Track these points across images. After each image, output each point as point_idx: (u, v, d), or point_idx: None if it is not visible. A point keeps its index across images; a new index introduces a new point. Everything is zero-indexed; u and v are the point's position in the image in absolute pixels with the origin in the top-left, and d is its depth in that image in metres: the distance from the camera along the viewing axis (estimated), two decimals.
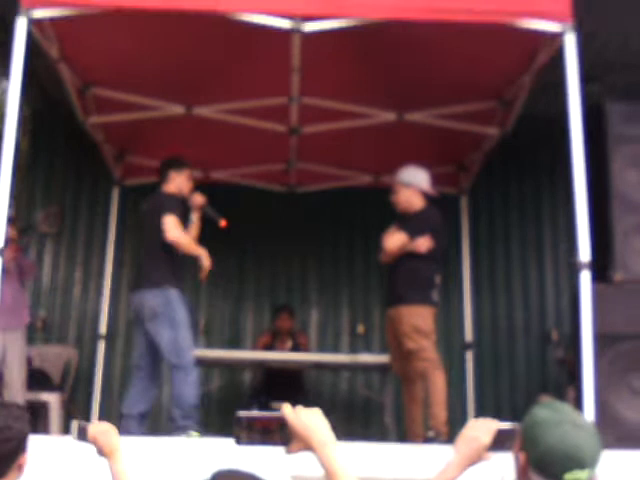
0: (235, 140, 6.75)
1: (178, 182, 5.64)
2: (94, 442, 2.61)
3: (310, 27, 4.84)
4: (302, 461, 3.00)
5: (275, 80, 6.07)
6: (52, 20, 4.78)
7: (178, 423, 5.03)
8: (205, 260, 5.42)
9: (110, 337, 7.56)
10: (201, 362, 5.99)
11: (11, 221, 6.33)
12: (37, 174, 8.38)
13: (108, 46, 5.54)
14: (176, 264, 5.50)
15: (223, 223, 5.66)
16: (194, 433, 4.96)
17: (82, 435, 2.61)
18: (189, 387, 5.12)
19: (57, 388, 6.85)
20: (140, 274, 5.51)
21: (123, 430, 4.76)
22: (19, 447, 2.40)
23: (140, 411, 5.29)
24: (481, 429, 2.09)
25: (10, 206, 6.23)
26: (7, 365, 6.21)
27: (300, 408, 1.87)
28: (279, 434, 1.88)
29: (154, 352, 5.35)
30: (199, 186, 5.97)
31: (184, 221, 5.53)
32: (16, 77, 4.43)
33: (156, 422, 6.77)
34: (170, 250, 5.43)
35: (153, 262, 5.42)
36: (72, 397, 7.27)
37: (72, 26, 4.93)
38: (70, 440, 2.64)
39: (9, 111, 4.39)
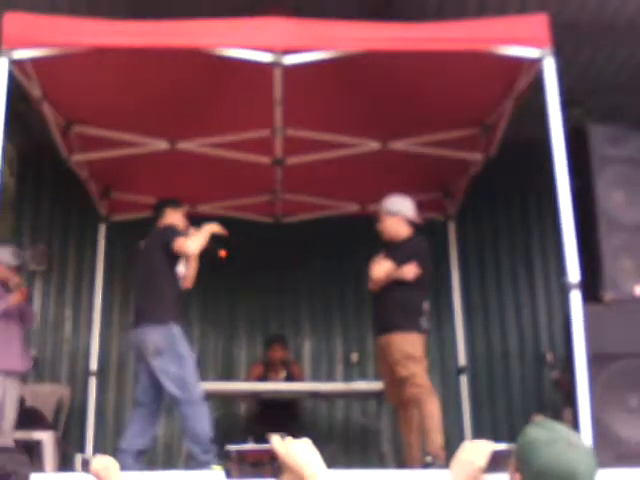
0: (220, 173, 6.76)
1: (175, 219, 5.67)
2: (96, 475, 2.74)
3: (290, 60, 4.86)
4: None
5: (258, 113, 6.10)
6: (33, 60, 4.80)
7: (199, 459, 4.96)
8: (217, 227, 5.44)
9: (102, 373, 7.52)
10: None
11: (20, 269, 6.37)
12: (24, 213, 8.38)
13: (90, 84, 5.56)
14: (177, 299, 5.49)
15: (223, 253, 5.61)
16: (216, 467, 4.90)
17: (86, 467, 2.75)
18: (201, 421, 5.06)
19: (50, 426, 6.80)
20: (141, 311, 5.44)
21: (121, 464, 4.73)
22: None
23: (139, 448, 5.23)
24: (476, 451, 2.07)
25: (18, 256, 6.31)
26: (4, 408, 6.13)
27: (290, 440, 1.86)
28: (270, 467, 1.88)
29: (157, 389, 5.30)
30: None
31: (176, 257, 5.50)
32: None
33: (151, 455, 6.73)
34: (172, 285, 5.43)
35: (154, 298, 5.38)
36: (65, 434, 7.22)
37: (53, 65, 4.94)
38: (67, 476, 2.72)
39: None
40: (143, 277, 5.57)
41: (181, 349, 5.21)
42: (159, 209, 5.77)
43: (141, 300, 5.53)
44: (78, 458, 2.80)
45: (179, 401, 5.14)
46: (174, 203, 5.78)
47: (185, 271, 5.68)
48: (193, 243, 5.33)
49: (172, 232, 5.45)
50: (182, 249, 5.35)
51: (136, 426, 5.34)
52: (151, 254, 5.48)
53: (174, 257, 5.46)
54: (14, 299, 6.16)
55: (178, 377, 5.14)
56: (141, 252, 5.65)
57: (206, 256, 5.63)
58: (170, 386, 5.16)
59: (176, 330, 5.27)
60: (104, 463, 2.82)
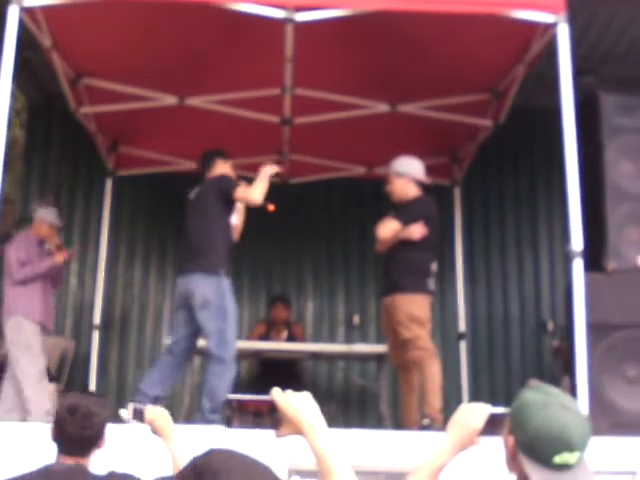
0: (228, 131, 6.73)
1: (225, 169, 5.58)
2: (151, 424, 2.92)
3: (303, 17, 4.83)
4: (300, 452, 3.03)
5: (268, 71, 6.06)
6: (44, 8, 4.78)
7: (206, 416, 4.95)
8: (274, 169, 5.36)
9: (105, 327, 7.58)
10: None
11: (60, 230, 6.44)
12: (33, 165, 8.37)
13: (100, 35, 5.53)
14: (230, 251, 5.41)
15: (271, 207, 5.42)
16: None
17: (138, 416, 2.94)
18: (224, 382, 5.02)
19: (54, 379, 6.85)
20: (192, 259, 5.32)
21: (137, 405, 4.78)
22: (102, 431, 2.74)
23: (156, 395, 5.20)
24: (473, 414, 2.07)
25: (58, 216, 6.38)
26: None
27: (290, 392, 1.87)
28: (269, 418, 1.90)
29: (191, 341, 5.32)
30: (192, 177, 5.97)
31: (231, 207, 5.44)
32: (8, 64, 4.42)
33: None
34: (225, 236, 5.36)
35: (208, 247, 5.28)
36: (68, 387, 7.28)
37: (64, 15, 4.92)
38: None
39: (1, 96, 4.39)
40: (196, 226, 5.43)
41: (228, 304, 5.16)
42: (209, 160, 5.65)
43: (193, 249, 5.38)
44: (130, 407, 2.94)
45: (212, 356, 5.10)
46: (223, 154, 5.67)
47: (236, 221, 5.59)
48: (257, 191, 5.20)
49: (230, 181, 5.36)
50: (246, 198, 5.26)
51: (158, 373, 5.32)
52: (205, 203, 5.38)
53: (229, 207, 5.38)
54: (59, 259, 6.23)
55: (219, 332, 5.09)
56: (192, 202, 5.55)
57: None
58: (209, 340, 5.16)
59: (226, 283, 5.21)
60: (158, 412, 2.96)
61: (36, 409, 5.75)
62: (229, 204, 5.37)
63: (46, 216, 6.41)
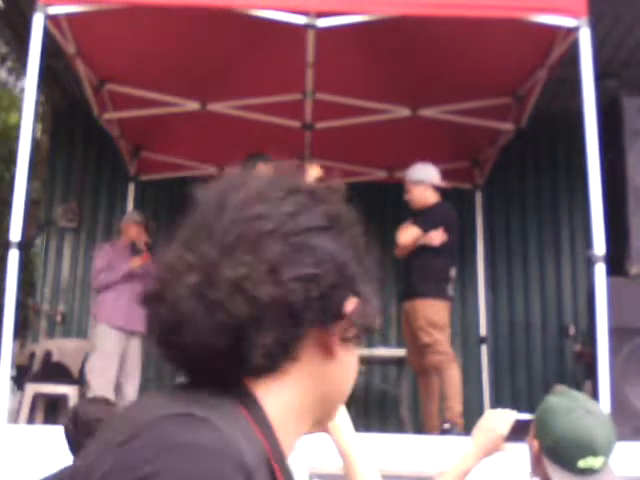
0: (249, 136, 6.75)
1: (266, 173, 5.60)
2: None
3: (324, 23, 4.86)
4: (320, 455, 3.03)
5: (289, 76, 6.09)
6: (68, 16, 4.83)
7: None
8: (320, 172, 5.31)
9: None
10: None
11: (144, 225, 6.50)
12: (57, 170, 8.45)
13: (123, 42, 5.59)
14: None
15: None
16: None
17: None
18: None
19: (75, 381, 6.90)
20: None
21: None
22: None
23: None
24: (498, 420, 2.06)
25: (142, 215, 6.45)
26: (125, 373, 6.31)
27: None
28: None
29: None
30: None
31: None
32: (33, 71, 4.48)
33: None
34: None
35: None
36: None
37: (88, 22, 4.98)
38: None
39: (26, 102, 4.45)
40: None
41: None
42: (251, 163, 5.63)
43: None
44: None
45: None
46: (265, 157, 5.67)
47: None
48: None
49: None
50: None
51: None
52: None
53: None
54: (136, 263, 6.30)
55: None
56: None
57: None
58: None
59: None
60: None
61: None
62: None
63: (128, 218, 6.61)
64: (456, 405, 5.18)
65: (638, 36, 6.80)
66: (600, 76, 4.72)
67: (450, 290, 5.48)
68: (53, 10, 4.64)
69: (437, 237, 5.43)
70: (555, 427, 1.84)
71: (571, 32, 4.76)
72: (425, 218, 5.50)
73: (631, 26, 6.69)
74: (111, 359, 6.16)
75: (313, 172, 5.37)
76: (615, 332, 4.46)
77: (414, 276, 5.47)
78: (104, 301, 6.32)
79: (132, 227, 6.50)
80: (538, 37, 5.13)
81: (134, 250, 6.41)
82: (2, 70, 14.30)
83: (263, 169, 5.59)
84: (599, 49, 4.74)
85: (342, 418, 1.83)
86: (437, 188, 5.64)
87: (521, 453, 1.95)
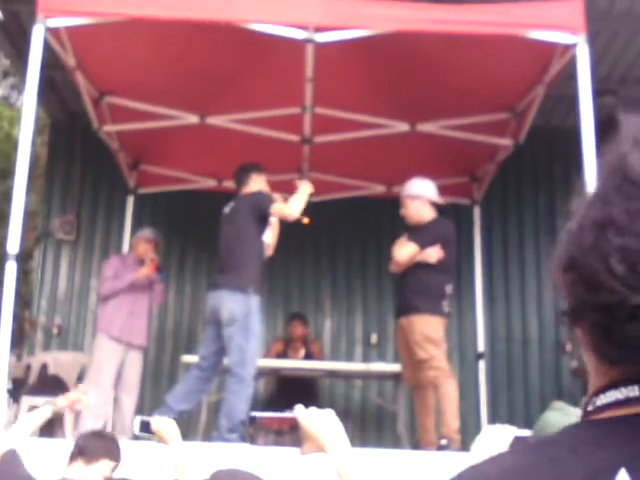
0: (248, 150, 6.78)
1: (259, 184, 5.59)
2: (157, 432, 3.02)
3: (323, 38, 4.88)
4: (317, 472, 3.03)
5: (288, 90, 6.11)
6: (68, 28, 4.85)
7: (222, 435, 4.96)
8: (310, 187, 5.36)
9: None
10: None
11: (157, 246, 6.54)
12: (55, 182, 8.46)
13: (123, 55, 5.61)
14: (261, 269, 5.41)
15: (306, 220, 5.43)
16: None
17: (145, 428, 2.99)
18: (243, 401, 5.03)
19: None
20: (222, 275, 5.36)
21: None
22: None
23: (182, 409, 5.24)
24: (498, 436, 2.06)
25: (154, 233, 6.48)
26: (123, 386, 6.28)
27: (313, 410, 1.88)
28: (290, 436, 1.90)
29: (219, 357, 5.34)
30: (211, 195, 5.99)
31: (265, 224, 5.45)
32: (32, 83, 4.49)
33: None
34: (257, 253, 5.37)
35: (238, 264, 5.30)
36: None
37: (88, 35, 5.00)
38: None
39: (25, 113, 4.47)
40: (228, 242, 5.45)
41: (253, 323, 5.16)
42: (244, 174, 5.66)
43: (224, 264, 5.41)
44: (137, 421, 3.05)
45: (232, 373, 5.13)
46: (258, 168, 5.68)
47: (269, 239, 5.60)
48: (294, 207, 5.23)
49: (265, 198, 5.36)
50: (283, 213, 5.27)
51: (185, 387, 5.35)
52: (239, 220, 5.39)
53: (263, 224, 5.39)
54: (142, 272, 6.31)
55: (241, 350, 5.10)
56: (226, 217, 5.57)
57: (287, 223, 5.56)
58: (230, 357, 5.17)
59: (254, 300, 5.21)
60: (163, 421, 3.06)
61: (84, 421, 5.95)
62: (263, 221, 5.38)
63: (140, 234, 6.61)
64: (453, 421, 5.17)
65: (635, 53, 6.84)
66: (597, 93, 4.74)
67: (446, 307, 5.47)
68: (53, 22, 4.66)
69: (434, 254, 5.41)
70: None
71: (569, 48, 4.79)
72: (422, 234, 5.49)
73: (628, 43, 6.73)
74: (107, 370, 6.14)
75: (307, 187, 5.39)
76: None
77: (410, 292, 5.45)
78: (105, 310, 6.34)
79: (141, 243, 6.52)
80: (536, 53, 5.15)
81: (142, 265, 6.42)
82: (4, 85, 14.37)
83: (257, 181, 5.61)
84: (596, 66, 4.76)
85: (340, 438, 1.83)
86: (434, 204, 5.64)
87: None
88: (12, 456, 2.97)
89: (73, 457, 2.95)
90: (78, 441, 2.99)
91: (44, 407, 3.27)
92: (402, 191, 5.70)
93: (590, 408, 0.83)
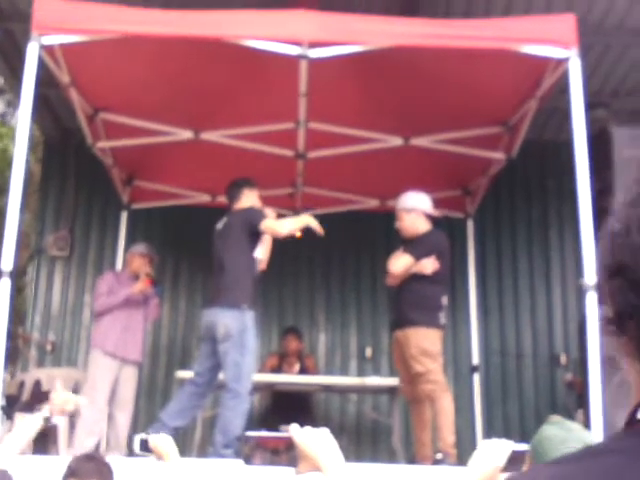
0: (242, 165, 6.79)
1: (251, 200, 5.59)
2: (154, 449, 3.06)
3: (317, 53, 4.89)
4: None
5: (282, 105, 6.12)
6: (62, 46, 4.86)
7: (218, 451, 4.94)
8: (314, 224, 5.34)
9: None
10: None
11: (152, 261, 6.55)
12: (48, 198, 8.46)
13: (117, 72, 5.62)
14: (254, 284, 5.41)
15: (298, 234, 5.46)
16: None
17: (144, 446, 3.08)
18: (238, 417, 5.03)
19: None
20: (216, 292, 5.37)
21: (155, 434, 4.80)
22: None
23: (176, 425, 5.22)
24: (495, 450, 2.06)
25: (148, 248, 6.48)
26: (117, 403, 6.26)
27: (308, 429, 1.88)
28: (286, 455, 1.90)
29: (214, 373, 5.33)
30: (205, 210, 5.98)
31: (257, 240, 5.44)
32: (27, 100, 4.50)
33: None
34: (249, 269, 5.36)
35: (231, 280, 5.30)
36: None
37: (82, 52, 5.01)
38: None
39: (19, 131, 4.47)
40: (220, 258, 5.45)
41: (248, 338, 5.16)
42: (236, 190, 5.65)
43: (217, 281, 5.42)
44: (136, 440, 3.07)
45: (227, 389, 5.12)
46: (250, 183, 5.67)
47: (262, 255, 5.59)
48: (285, 226, 5.26)
49: (256, 214, 5.36)
50: (273, 230, 5.27)
51: (180, 404, 5.34)
52: (231, 236, 5.40)
53: (255, 240, 5.38)
54: (137, 287, 6.31)
55: (236, 366, 5.10)
56: (218, 234, 5.57)
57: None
58: (226, 372, 5.17)
59: (249, 316, 5.21)
60: (160, 439, 3.09)
61: (78, 437, 5.97)
62: (254, 237, 5.38)
63: (134, 249, 6.63)
64: (449, 435, 5.16)
65: (627, 66, 6.90)
66: (590, 106, 4.76)
67: (442, 318, 5.47)
68: (47, 40, 4.67)
69: (429, 265, 5.42)
70: (550, 457, 1.84)
71: (561, 63, 4.81)
72: (417, 246, 5.50)
73: (620, 56, 6.78)
74: (101, 386, 6.12)
75: (309, 221, 5.39)
76: (606, 361, 4.46)
77: (406, 305, 5.45)
78: (99, 326, 6.33)
79: (135, 259, 6.53)
80: (529, 68, 5.18)
81: (136, 281, 6.41)
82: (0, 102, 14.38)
83: (249, 196, 5.62)
84: (589, 79, 4.79)
85: (335, 457, 1.83)
86: (428, 217, 5.65)
87: None
88: (2, 477, 2.96)
89: (65, 478, 2.95)
90: (71, 463, 2.99)
91: (33, 417, 3.25)
92: (397, 204, 5.72)
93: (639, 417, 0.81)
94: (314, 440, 1.85)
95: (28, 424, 3.23)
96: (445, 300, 5.51)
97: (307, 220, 5.38)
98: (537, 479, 0.80)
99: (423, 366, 5.24)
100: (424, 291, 5.42)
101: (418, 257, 5.43)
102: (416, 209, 5.60)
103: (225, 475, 3.89)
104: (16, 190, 4.39)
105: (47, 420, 3.24)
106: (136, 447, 3.18)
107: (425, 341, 5.30)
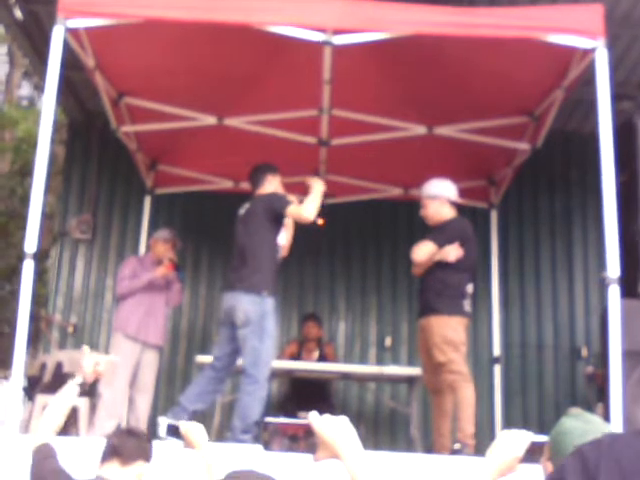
0: (265, 151, 6.78)
1: (275, 185, 5.57)
2: (186, 436, 3.04)
3: (341, 40, 4.87)
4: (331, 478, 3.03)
5: (306, 92, 6.12)
6: (88, 29, 4.87)
7: (237, 436, 4.95)
8: (323, 186, 5.28)
9: None
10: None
11: (171, 243, 6.57)
12: (72, 182, 8.51)
13: (142, 56, 5.63)
14: (275, 270, 5.40)
15: (321, 222, 5.36)
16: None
17: (172, 432, 3.05)
18: (257, 402, 5.02)
19: (86, 393, 6.89)
20: (237, 276, 5.34)
21: (174, 417, 4.84)
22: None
23: (196, 409, 5.23)
24: (514, 441, 2.05)
25: (172, 234, 6.48)
26: (138, 386, 6.32)
27: (327, 416, 1.88)
28: (304, 442, 1.90)
29: (233, 357, 5.35)
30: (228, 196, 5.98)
31: (279, 226, 5.43)
32: (52, 83, 4.52)
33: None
34: (272, 255, 5.35)
35: (253, 266, 5.27)
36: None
37: (107, 36, 5.02)
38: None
39: (44, 114, 4.49)
40: (242, 244, 5.43)
41: (268, 324, 5.16)
42: (259, 175, 5.62)
43: (238, 266, 5.38)
44: (163, 424, 3.07)
45: (246, 374, 5.11)
46: (273, 169, 5.64)
47: (284, 241, 5.57)
48: (310, 208, 5.18)
49: (280, 199, 5.33)
50: (299, 215, 5.22)
51: (199, 387, 5.35)
52: (253, 222, 5.37)
53: (277, 226, 5.37)
54: (160, 272, 6.36)
55: (255, 351, 5.10)
56: (241, 219, 5.55)
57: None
58: (245, 358, 5.18)
59: (269, 302, 5.20)
60: (192, 426, 3.07)
61: (99, 419, 6.05)
62: (277, 223, 5.36)
63: (157, 234, 6.66)
64: (468, 426, 5.12)
65: None
66: (615, 97, 4.71)
67: (467, 306, 5.40)
68: (73, 23, 4.68)
69: (452, 253, 5.36)
70: (569, 450, 1.82)
71: (588, 53, 4.76)
72: (440, 233, 5.46)
73: None
74: (123, 369, 6.16)
75: (320, 186, 5.35)
76: (627, 355, 4.44)
77: (429, 292, 5.41)
78: (121, 310, 6.38)
79: (159, 244, 6.55)
80: (555, 58, 5.13)
81: (159, 266, 6.45)
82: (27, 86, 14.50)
83: (272, 182, 5.60)
84: (615, 70, 4.73)
85: (354, 445, 1.83)
86: (454, 204, 5.62)
87: (535, 475, 1.93)
88: (47, 450, 2.96)
89: (108, 456, 2.87)
90: (113, 440, 2.92)
91: (67, 386, 3.23)
92: (421, 192, 5.68)
93: None
94: (333, 428, 1.85)
95: (64, 394, 3.22)
96: (470, 288, 5.44)
97: (320, 187, 5.29)
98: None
99: (445, 355, 5.20)
100: (448, 278, 5.37)
101: (441, 244, 5.38)
102: (440, 196, 5.57)
103: (244, 460, 3.91)
104: (40, 172, 4.42)
105: (82, 386, 3.23)
106: (162, 432, 3.17)
107: (448, 329, 5.25)
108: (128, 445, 2.87)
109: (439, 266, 5.39)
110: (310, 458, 1.90)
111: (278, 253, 5.48)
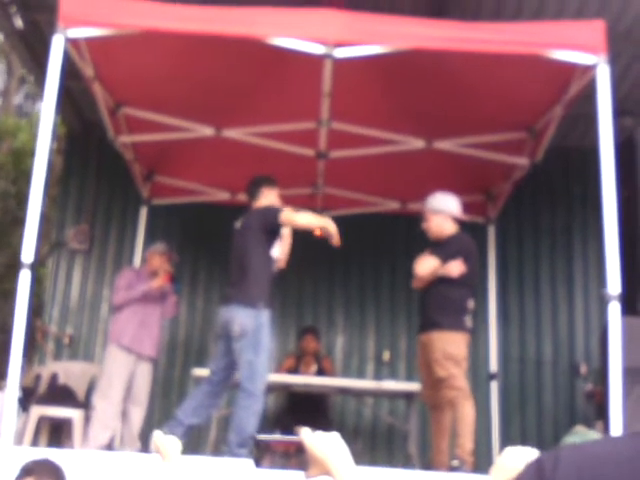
0: (263, 163, 6.77)
1: (270, 199, 5.55)
2: (156, 447, 2.93)
3: (342, 53, 4.86)
4: None
5: (305, 104, 6.10)
6: (87, 39, 4.86)
7: (232, 450, 4.92)
8: (334, 230, 5.19)
9: None
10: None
11: (167, 256, 6.58)
12: (69, 191, 8.49)
13: (141, 67, 5.62)
14: (270, 283, 5.38)
15: (318, 232, 5.32)
16: None
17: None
18: (252, 416, 5.00)
19: (81, 405, 6.87)
20: (233, 290, 5.34)
21: (170, 431, 4.79)
22: None
23: (191, 423, 5.22)
24: (518, 457, 2.02)
25: (168, 247, 6.52)
26: (132, 398, 6.28)
27: (319, 433, 1.84)
28: (296, 459, 1.87)
29: (229, 371, 5.32)
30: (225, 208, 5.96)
31: (274, 239, 5.41)
32: (51, 93, 4.50)
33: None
34: (266, 268, 5.34)
35: (248, 279, 5.27)
36: None
37: (107, 46, 5.01)
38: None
39: (43, 124, 4.47)
40: (238, 257, 5.42)
41: (263, 337, 5.13)
42: (255, 188, 5.61)
43: (234, 279, 5.39)
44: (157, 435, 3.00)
45: (242, 388, 5.09)
46: (269, 182, 5.62)
47: (279, 253, 5.54)
48: (304, 217, 5.19)
49: (274, 211, 5.31)
50: (290, 219, 5.20)
51: (196, 401, 5.32)
52: (249, 235, 5.36)
53: (272, 239, 5.36)
54: (156, 283, 6.36)
55: (251, 365, 5.08)
56: (237, 232, 5.53)
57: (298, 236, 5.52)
58: (241, 371, 5.15)
59: (265, 315, 5.18)
60: (164, 437, 2.98)
61: (93, 431, 6.00)
62: (272, 236, 5.35)
63: (153, 248, 6.65)
64: (467, 442, 5.08)
65: None
66: (617, 113, 4.69)
67: (468, 322, 5.38)
68: (73, 33, 4.66)
69: (456, 268, 5.35)
70: None
71: (589, 69, 4.75)
72: (443, 248, 5.44)
73: None
74: (117, 381, 6.13)
75: (328, 224, 5.24)
76: (627, 372, 4.40)
77: (431, 307, 5.39)
78: (117, 321, 6.37)
79: (155, 257, 6.55)
80: (556, 73, 5.12)
81: (155, 278, 6.43)
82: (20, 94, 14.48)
83: (268, 195, 5.58)
84: (616, 86, 4.71)
85: (345, 461, 1.79)
86: (456, 219, 5.60)
87: None
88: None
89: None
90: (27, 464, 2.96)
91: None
92: (425, 205, 5.66)
93: None
94: (324, 444, 1.81)
95: None
96: (471, 303, 5.43)
97: (328, 223, 5.28)
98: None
99: (446, 370, 5.16)
100: (450, 294, 5.36)
101: (444, 259, 5.36)
102: (444, 211, 5.55)
103: (233, 476, 3.86)
104: (38, 181, 4.39)
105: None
106: (154, 447, 3.12)
107: (449, 345, 5.22)
108: (40, 466, 2.91)
109: (441, 281, 5.37)
110: (301, 475, 1.87)
111: (273, 266, 5.45)
